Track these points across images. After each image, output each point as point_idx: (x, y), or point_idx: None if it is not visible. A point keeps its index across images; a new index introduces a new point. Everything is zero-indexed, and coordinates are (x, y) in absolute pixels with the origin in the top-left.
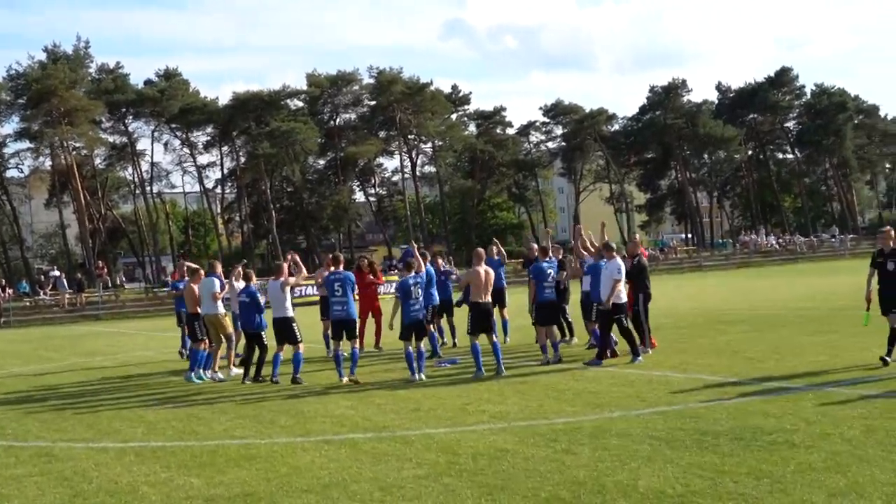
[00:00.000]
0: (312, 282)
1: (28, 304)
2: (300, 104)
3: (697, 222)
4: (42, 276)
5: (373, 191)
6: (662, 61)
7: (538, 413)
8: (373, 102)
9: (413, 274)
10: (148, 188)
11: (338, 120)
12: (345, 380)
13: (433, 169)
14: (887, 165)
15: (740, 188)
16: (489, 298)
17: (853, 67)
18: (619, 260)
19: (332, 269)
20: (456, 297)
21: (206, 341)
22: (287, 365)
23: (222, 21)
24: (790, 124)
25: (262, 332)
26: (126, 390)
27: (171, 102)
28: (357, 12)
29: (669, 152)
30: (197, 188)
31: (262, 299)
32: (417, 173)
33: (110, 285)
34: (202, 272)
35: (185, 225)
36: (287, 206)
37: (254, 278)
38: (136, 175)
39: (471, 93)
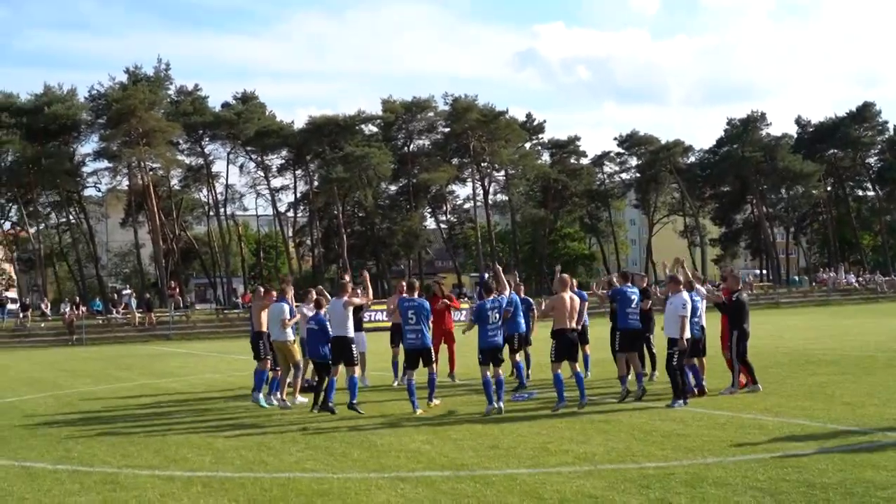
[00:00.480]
0: (383, 306)
1: (101, 322)
2: (374, 129)
3: (773, 258)
4: (115, 295)
5: (444, 218)
6: (734, 95)
7: (626, 456)
8: (447, 129)
9: (491, 298)
10: (221, 210)
11: (411, 146)
12: (419, 411)
13: (505, 197)
14: None
15: (817, 224)
16: (574, 325)
17: None
18: (684, 295)
19: (406, 295)
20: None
21: (269, 361)
22: (342, 392)
23: (296, 47)
24: (871, 160)
25: (329, 361)
26: (195, 414)
27: (247, 125)
28: (427, 43)
29: (746, 186)
30: (269, 211)
31: (330, 328)
32: (489, 201)
33: (182, 305)
34: (273, 293)
35: (256, 247)
36: (358, 231)
37: (325, 305)
38: (210, 197)
39: (545, 121)
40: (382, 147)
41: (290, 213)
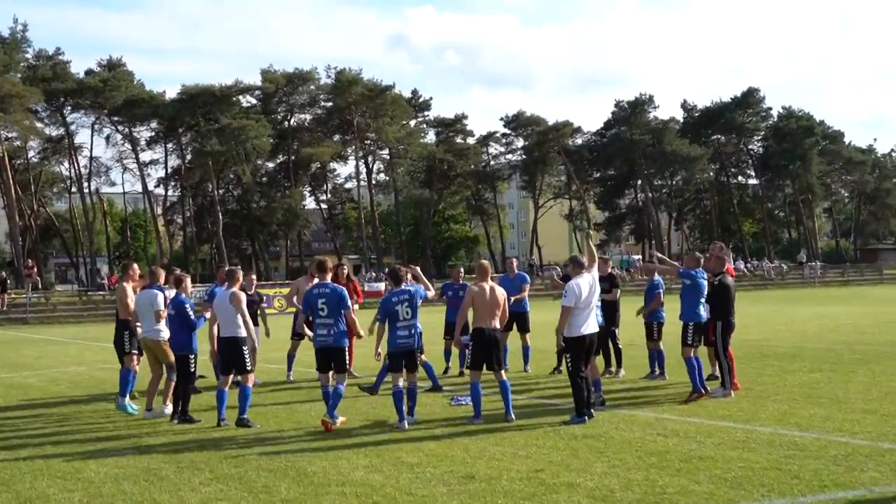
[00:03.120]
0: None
1: None
2: (253, 101)
3: (659, 242)
4: None
5: (324, 197)
6: (605, 84)
7: (653, 491)
8: (329, 104)
9: (399, 289)
10: (85, 185)
11: (292, 120)
12: (339, 420)
13: (388, 177)
14: (845, 193)
15: (699, 210)
16: (496, 324)
17: (817, 91)
18: (588, 277)
19: (317, 279)
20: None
21: (136, 357)
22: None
23: (166, 24)
24: (754, 147)
25: (191, 357)
26: (56, 424)
27: (113, 94)
28: (301, 25)
29: (633, 170)
30: (137, 187)
31: (191, 313)
32: (373, 181)
33: (40, 286)
34: (137, 275)
35: (122, 226)
36: (233, 209)
37: (188, 285)
38: (73, 170)
39: (431, 98)
40: (261, 120)
41: (160, 190)
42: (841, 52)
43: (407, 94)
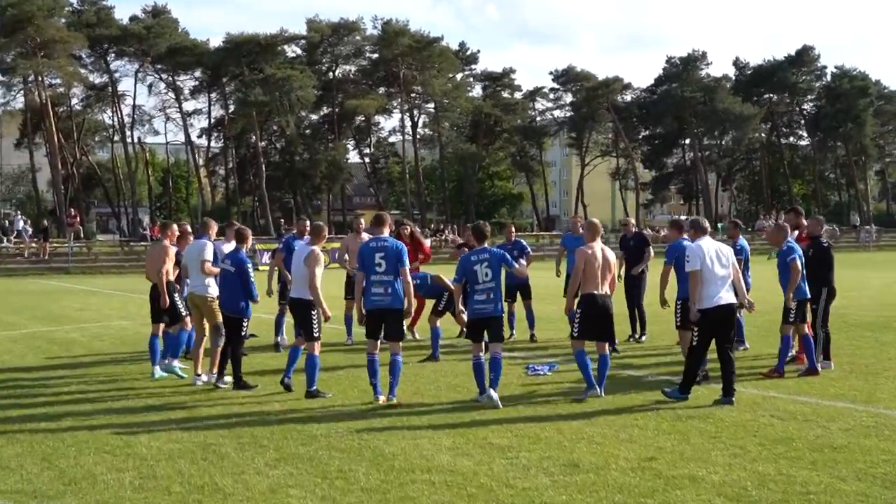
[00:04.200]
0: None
1: None
2: (298, 51)
3: (709, 204)
4: (6, 222)
5: (367, 151)
6: (649, 43)
7: (793, 489)
8: (375, 55)
9: (480, 247)
10: (128, 134)
11: (337, 71)
12: (381, 398)
13: (432, 131)
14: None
15: (748, 171)
16: (607, 289)
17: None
18: (710, 240)
19: (373, 234)
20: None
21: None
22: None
23: None
24: (807, 107)
25: (244, 321)
26: (103, 387)
27: (157, 41)
28: None
29: (683, 128)
30: (180, 137)
31: (252, 275)
32: (417, 135)
33: (82, 236)
34: (175, 236)
35: (163, 177)
36: (275, 161)
37: (249, 239)
38: (115, 119)
39: (479, 51)
40: (306, 71)
41: (203, 140)
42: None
43: (454, 46)
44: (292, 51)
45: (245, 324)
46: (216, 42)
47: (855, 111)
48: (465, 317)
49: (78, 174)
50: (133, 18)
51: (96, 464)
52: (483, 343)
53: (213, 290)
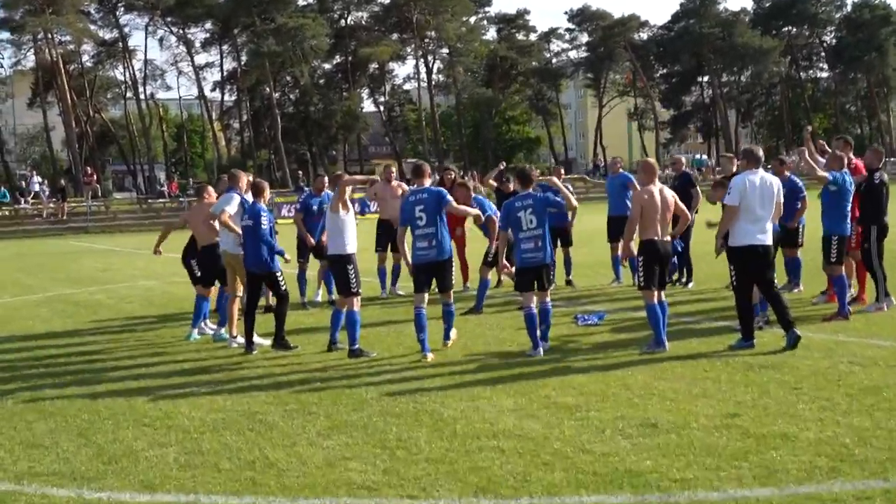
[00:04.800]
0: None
1: (7, 213)
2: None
3: (730, 140)
4: (23, 182)
5: (382, 99)
6: None
7: None
8: (387, 0)
9: (524, 192)
10: (140, 89)
11: (349, 19)
12: (430, 356)
13: (447, 77)
14: None
15: (768, 106)
16: (667, 236)
17: None
18: (762, 174)
19: (414, 185)
20: None
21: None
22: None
23: None
24: (827, 38)
25: (278, 274)
26: (135, 352)
27: None
28: None
29: (701, 65)
30: (193, 92)
31: (268, 228)
32: (432, 81)
33: (100, 194)
34: (213, 198)
35: (177, 132)
36: (290, 112)
37: (266, 192)
38: (127, 75)
39: None
40: (318, 18)
41: (216, 94)
42: None
43: None
44: None
45: (280, 278)
46: None
47: (877, 41)
48: (511, 268)
49: (92, 132)
50: None
51: (136, 438)
52: (532, 293)
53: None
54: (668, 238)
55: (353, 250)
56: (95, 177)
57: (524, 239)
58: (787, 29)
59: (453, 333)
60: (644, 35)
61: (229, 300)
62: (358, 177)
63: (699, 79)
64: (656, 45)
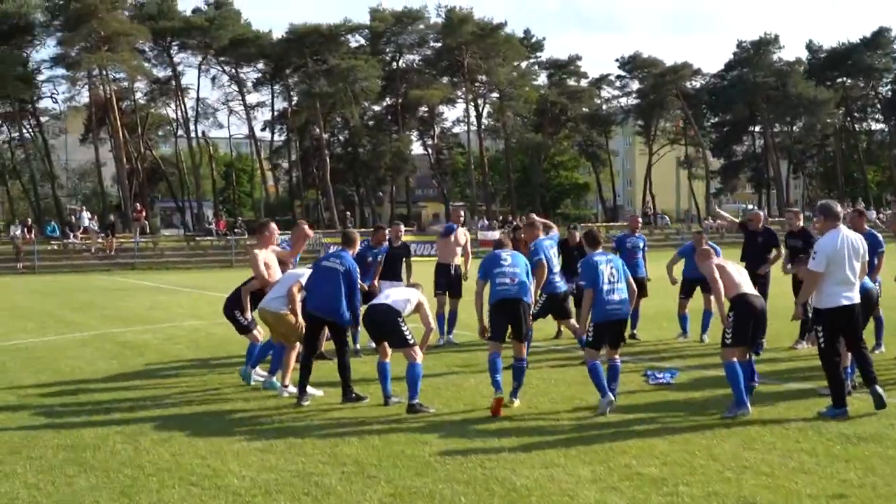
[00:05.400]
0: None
1: (56, 247)
2: (361, 41)
3: (782, 191)
4: (73, 217)
5: (430, 142)
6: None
7: None
8: (439, 44)
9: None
10: (191, 127)
11: (400, 61)
12: (515, 402)
13: (498, 121)
14: None
15: (821, 157)
16: (755, 291)
17: None
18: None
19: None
20: None
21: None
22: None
23: None
24: (882, 90)
25: (345, 325)
26: (182, 398)
27: (220, 33)
28: None
29: (753, 114)
30: (243, 130)
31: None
32: (482, 125)
33: (148, 231)
34: (274, 238)
35: (226, 170)
36: (338, 153)
37: (357, 244)
38: (179, 112)
39: (544, 38)
40: (370, 60)
41: (266, 133)
42: None
43: (519, 34)
44: (356, 41)
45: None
46: (279, 33)
47: None
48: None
49: (142, 169)
50: (195, 10)
51: (182, 499)
52: (599, 351)
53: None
54: (759, 294)
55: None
56: (144, 213)
57: (608, 291)
58: (841, 80)
59: (517, 402)
60: (696, 83)
61: (287, 349)
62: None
63: (751, 128)
64: (708, 94)
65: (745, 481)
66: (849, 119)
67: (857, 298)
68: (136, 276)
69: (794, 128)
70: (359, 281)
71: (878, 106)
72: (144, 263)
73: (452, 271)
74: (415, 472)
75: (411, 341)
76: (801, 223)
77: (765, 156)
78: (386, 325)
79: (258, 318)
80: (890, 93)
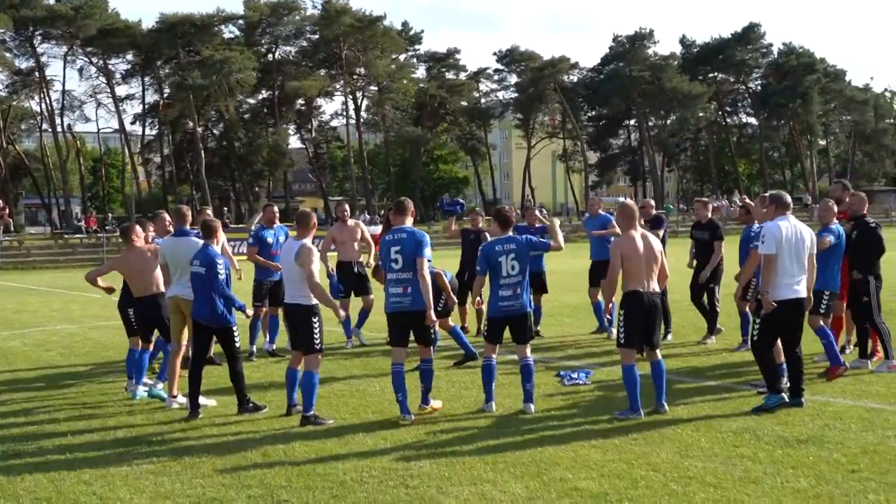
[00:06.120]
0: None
1: None
2: (236, 32)
3: (658, 184)
4: None
5: (308, 136)
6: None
7: None
8: (316, 36)
9: (506, 235)
10: (57, 121)
11: (276, 53)
12: (410, 418)
13: (376, 114)
14: (841, 133)
15: (694, 151)
16: (655, 285)
17: (817, 29)
18: (793, 221)
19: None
20: None
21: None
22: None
23: None
24: (753, 85)
25: (233, 328)
26: (60, 418)
27: (87, 22)
28: None
29: (629, 108)
30: (112, 124)
31: (223, 271)
32: (361, 118)
33: (13, 229)
34: (137, 232)
35: (95, 165)
36: (213, 148)
37: (220, 234)
38: (44, 106)
39: (423, 31)
40: (245, 52)
41: (136, 127)
42: None
43: (397, 26)
44: (230, 32)
45: (236, 333)
46: (149, 23)
47: (802, 88)
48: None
49: (5, 164)
50: None
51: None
52: (497, 346)
53: (186, 289)
54: (656, 289)
55: (315, 301)
56: (7, 210)
57: (503, 286)
58: (713, 75)
59: (436, 403)
60: (573, 77)
61: (172, 352)
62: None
63: (626, 122)
64: (585, 88)
65: (694, 495)
66: (721, 113)
67: (804, 293)
68: (1, 277)
69: (668, 121)
70: (234, 268)
71: (749, 100)
72: (9, 263)
73: (355, 269)
74: (331, 495)
75: (317, 346)
76: (710, 214)
77: (640, 149)
78: (300, 322)
79: (170, 309)
80: (759, 87)
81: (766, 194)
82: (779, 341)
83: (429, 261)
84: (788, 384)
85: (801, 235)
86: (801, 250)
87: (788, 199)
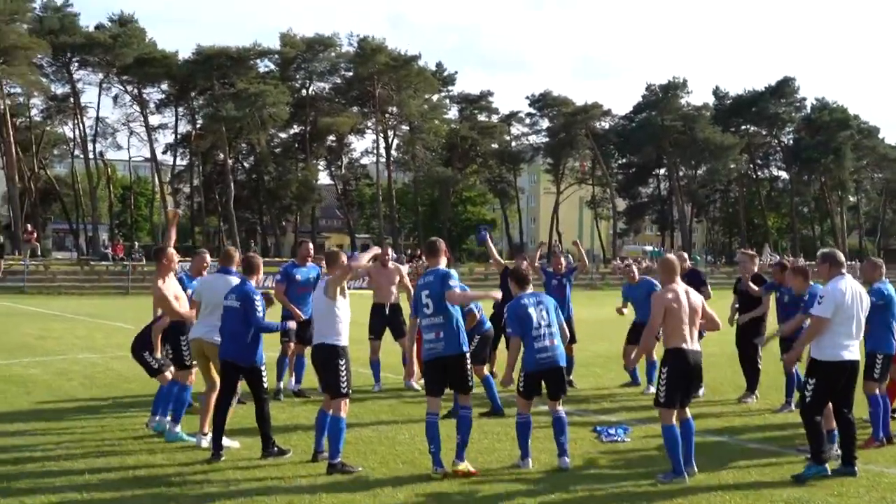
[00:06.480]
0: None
1: None
2: (271, 67)
3: (686, 234)
4: None
5: (338, 172)
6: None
7: None
8: (350, 73)
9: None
10: (89, 147)
11: (310, 89)
12: (442, 471)
13: (406, 153)
14: (872, 190)
15: (723, 202)
16: (697, 344)
17: (851, 86)
18: (851, 281)
19: (427, 265)
20: None
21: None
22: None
23: None
24: (785, 138)
25: (261, 369)
26: (76, 454)
27: (124, 51)
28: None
29: (660, 157)
30: (143, 153)
31: (261, 307)
32: (391, 157)
33: (39, 253)
34: (174, 264)
35: (123, 193)
36: (243, 180)
37: (260, 271)
38: (76, 132)
39: (456, 72)
40: (279, 86)
41: (167, 157)
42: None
43: (431, 67)
44: (265, 66)
45: (264, 374)
46: (185, 54)
47: (835, 143)
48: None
49: (35, 188)
50: (99, 27)
51: None
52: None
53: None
54: (698, 347)
55: (347, 342)
56: (35, 235)
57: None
58: (746, 127)
59: (471, 468)
60: (605, 124)
61: (208, 390)
62: (364, 261)
63: (657, 171)
64: (617, 135)
65: None
66: (752, 165)
67: (857, 355)
68: (25, 300)
69: (699, 172)
70: (264, 306)
71: (781, 154)
72: (34, 288)
73: (387, 311)
74: None
75: (344, 390)
76: (756, 268)
77: (669, 198)
78: (326, 363)
79: (193, 352)
80: (792, 141)
81: (821, 251)
82: (829, 406)
83: (460, 288)
84: (839, 451)
85: (861, 297)
86: (861, 311)
87: (842, 256)
